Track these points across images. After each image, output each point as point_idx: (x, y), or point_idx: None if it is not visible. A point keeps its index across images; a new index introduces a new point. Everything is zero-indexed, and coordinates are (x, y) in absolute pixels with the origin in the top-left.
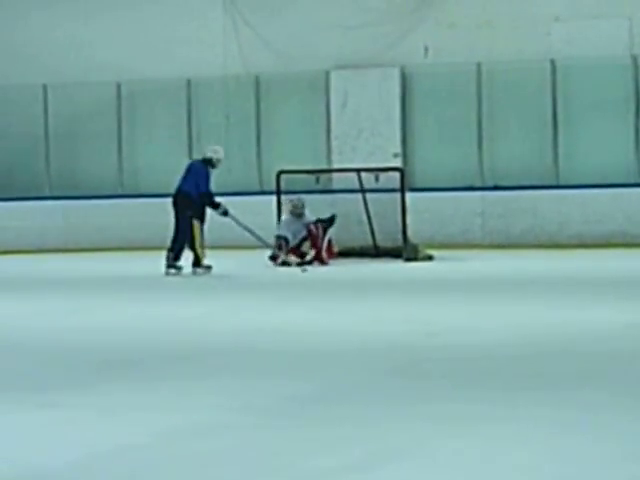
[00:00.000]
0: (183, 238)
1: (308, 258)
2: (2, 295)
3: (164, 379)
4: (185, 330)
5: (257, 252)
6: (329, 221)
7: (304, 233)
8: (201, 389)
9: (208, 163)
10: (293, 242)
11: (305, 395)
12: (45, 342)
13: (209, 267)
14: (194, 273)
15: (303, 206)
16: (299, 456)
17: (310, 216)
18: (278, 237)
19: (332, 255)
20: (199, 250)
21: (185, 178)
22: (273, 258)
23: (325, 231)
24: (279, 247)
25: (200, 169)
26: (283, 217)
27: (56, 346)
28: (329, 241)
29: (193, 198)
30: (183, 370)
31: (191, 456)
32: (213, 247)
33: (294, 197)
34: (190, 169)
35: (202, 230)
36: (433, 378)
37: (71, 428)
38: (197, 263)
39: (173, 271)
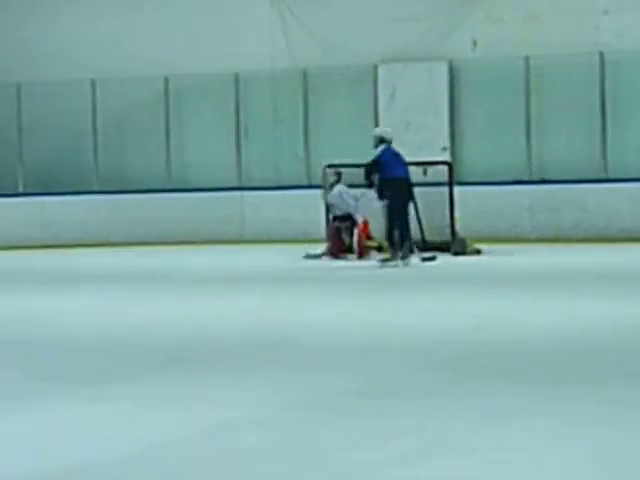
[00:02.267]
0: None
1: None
2: (50, 289)
3: (210, 374)
4: (231, 325)
5: (300, 246)
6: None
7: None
8: (246, 384)
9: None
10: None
11: (350, 389)
12: (93, 336)
13: (387, 260)
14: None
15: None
16: (342, 450)
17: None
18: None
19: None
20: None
21: (404, 165)
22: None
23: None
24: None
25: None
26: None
27: (104, 340)
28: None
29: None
30: (228, 365)
31: (236, 450)
32: (257, 241)
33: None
34: (399, 155)
35: None
36: (479, 372)
37: (119, 422)
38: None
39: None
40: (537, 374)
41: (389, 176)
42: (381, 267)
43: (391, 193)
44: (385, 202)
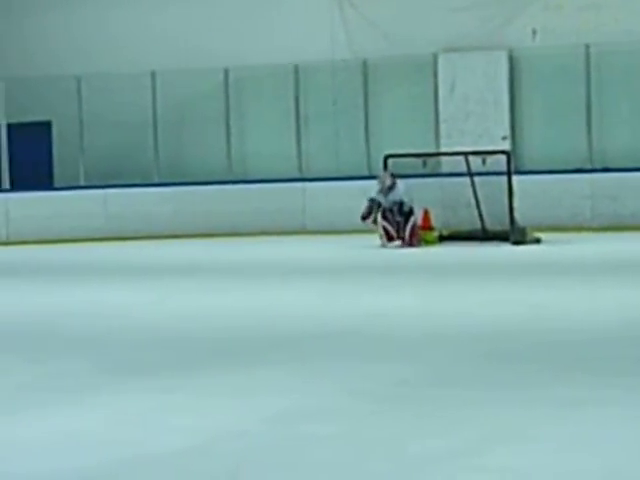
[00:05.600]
0: None
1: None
2: (113, 282)
3: (274, 364)
4: (294, 315)
5: (363, 237)
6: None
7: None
8: (309, 373)
9: None
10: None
11: (413, 379)
12: (157, 328)
13: None
14: None
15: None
16: (406, 440)
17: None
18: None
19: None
20: None
21: None
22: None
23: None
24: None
25: None
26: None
27: (168, 333)
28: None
29: None
30: (292, 355)
31: (300, 441)
32: (318, 232)
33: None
34: None
35: None
36: (541, 362)
37: (181, 413)
38: None
39: None
40: (598, 364)
41: None
42: None
43: None
44: None
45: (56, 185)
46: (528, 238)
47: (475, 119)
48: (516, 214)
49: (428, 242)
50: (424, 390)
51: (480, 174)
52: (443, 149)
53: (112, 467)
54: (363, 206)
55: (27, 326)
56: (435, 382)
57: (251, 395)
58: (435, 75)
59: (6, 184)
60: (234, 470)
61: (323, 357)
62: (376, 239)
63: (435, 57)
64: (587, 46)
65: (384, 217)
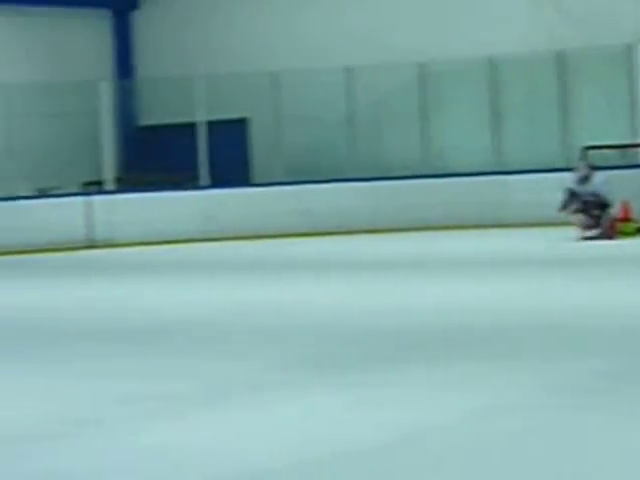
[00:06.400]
0: None
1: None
2: (314, 276)
3: (473, 358)
4: (496, 309)
5: (560, 229)
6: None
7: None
8: (507, 368)
9: None
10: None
11: (615, 373)
12: (345, 323)
13: None
14: None
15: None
16: (604, 436)
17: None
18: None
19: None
20: None
21: None
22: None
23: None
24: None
25: None
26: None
27: (356, 327)
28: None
29: None
30: (494, 349)
31: (498, 435)
32: (516, 225)
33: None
34: None
35: None
36: None
37: (376, 409)
38: None
39: None
40: None
41: None
42: None
43: None
44: None
45: (253, 181)
46: None
47: None
48: None
49: (627, 234)
50: (622, 385)
51: None
52: None
53: (308, 465)
54: (561, 197)
55: (223, 324)
56: (634, 377)
57: (450, 390)
58: (632, 65)
59: (206, 181)
60: (435, 465)
61: (525, 351)
62: (573, 231)
63: (631, 48)
64: None
65: (581, 209)
